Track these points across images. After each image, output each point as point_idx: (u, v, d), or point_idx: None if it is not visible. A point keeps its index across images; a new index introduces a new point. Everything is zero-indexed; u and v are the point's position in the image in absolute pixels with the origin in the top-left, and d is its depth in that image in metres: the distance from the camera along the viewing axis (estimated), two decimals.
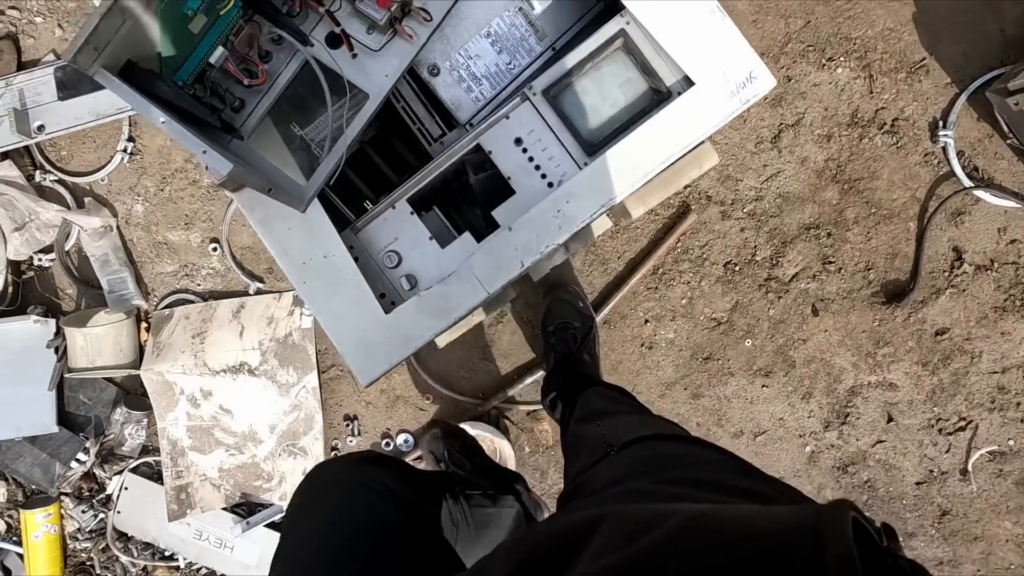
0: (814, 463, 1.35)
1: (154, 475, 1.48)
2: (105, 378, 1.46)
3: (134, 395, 1.47)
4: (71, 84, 1.39)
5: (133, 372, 1.42)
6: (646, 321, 1.34)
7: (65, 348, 1.39)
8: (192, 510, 1.43)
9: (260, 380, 1.38)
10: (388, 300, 0.82)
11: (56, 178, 1.45)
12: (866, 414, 1.34)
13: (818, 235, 1.30)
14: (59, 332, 1.43)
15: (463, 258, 0.80)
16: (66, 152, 1.46)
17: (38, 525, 1.41)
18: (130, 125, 1.43)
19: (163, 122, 0.58)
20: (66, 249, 1.46)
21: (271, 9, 0.67)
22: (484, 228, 0.83)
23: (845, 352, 1.32)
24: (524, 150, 0.80)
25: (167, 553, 1.49)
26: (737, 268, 1.32)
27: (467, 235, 0.81)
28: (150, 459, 1.47)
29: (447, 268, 0.81)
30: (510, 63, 0.86)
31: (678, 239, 1.31)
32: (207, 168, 0.79)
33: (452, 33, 0.83)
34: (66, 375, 1.38)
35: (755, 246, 1.31)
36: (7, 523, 1.52)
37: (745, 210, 1.31)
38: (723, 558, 0.31)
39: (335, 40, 0.74)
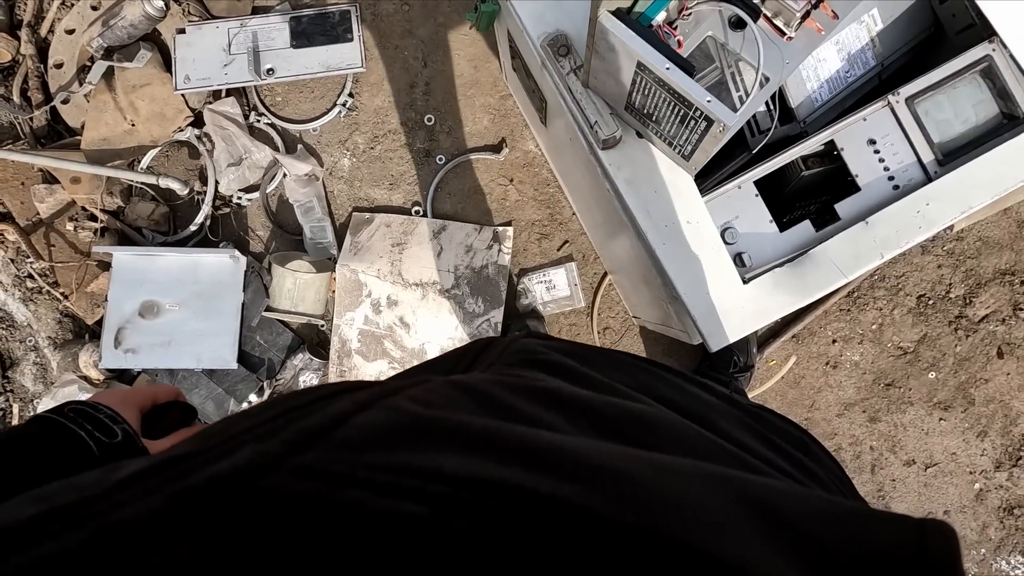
0: (981, 501, 1.39)
1: None
2: (283, 323, 1.47)
3: (311, 344, 1.48)
4: (306, 35, 1.44)
5: (322, 323, 1.43)
6: (834, 341, 1.39)
7: (266, 286, 1.40)
8: None
9: (448, 303, 1.40)
10: None
11: (269, 122, 1.48)
12: None
13: (1012, 281, 1.36)
14: (252, 269, 1.44)
15: (799, 244, 0.85)
16: (281, 99, 1.49)
17: None
18: (353, 82, 1.47)
19: (667, 68, 0.62)
20: (268, 192, 1.48)
21: None
22: (815, 218, 0.87)
23: None
24: (876, 151, 0.85)
25: None
26: (930, 302, 1.37)
27: (807, 223, 0.85)
28: None
29: (781, 252, 0.85)
30: (848, 72, 0.92)
31: (878, 266, 1.36)
32: (592, 128, 0.82)
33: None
34: (264, 313, 1.39)
35: (950, 283, 1.37)
36: None
37: (945, 248, 1.37)
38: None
39: (739, 24, 0.79)
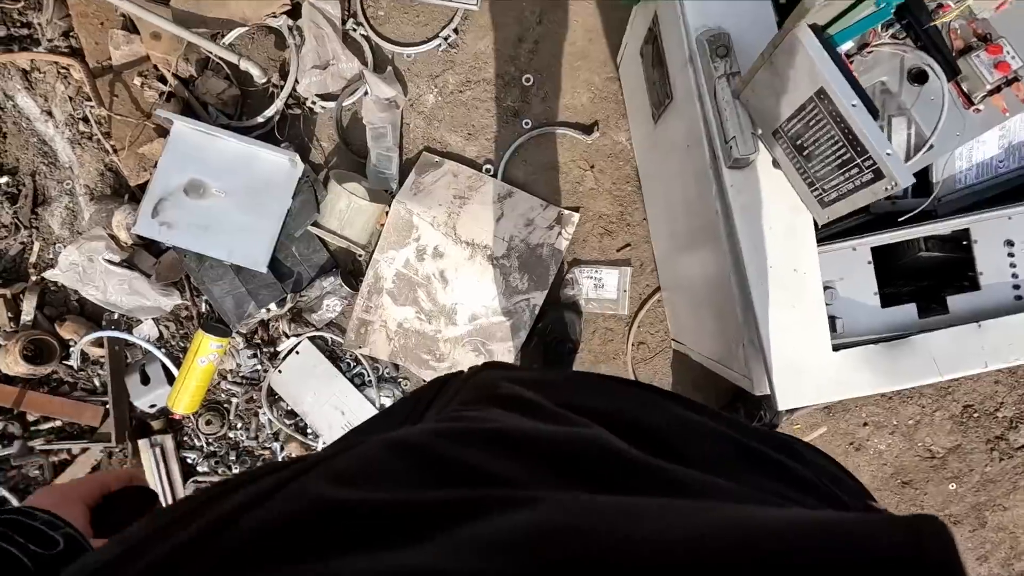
0: None
1: (327, 351, 1.45)
2: (322, 241, 1.43)
3: (344, 270, 1.43)
4: None
5: (361, 253, 1.39)
6: (865, 424, 1.34)
7: (318, 199, 1.35)
8: (364, 347, 1.41)
9: (493, 271, 1.35)
10: None
11: (365, 34, 1.41)
12: None
13: None
14: (306, 178, 1.39)
15: (899, 325, 0.79)
16: (384, 13, 1.42)
17: (209, 351, 1.37)
18: (462, 18, 1.39)
19: (853, 105, 0.56)
20: (344, 105, 1.42)
21: (925, 31, 0.65)
22: (918, 302, 0.81)
23: None
24: (1011, 255, 0.78)
25: (308, 430, 1.46)
26: (975, 415, 1.31)
27: (912, 306, 0.80)
28: (330, 336, 1.44)
29: (878, 328, 0.80)
30: (1003, 162, 0.85)
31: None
32: (732, 148, 0.76)
33: None
34: (310, 227, 1.34)
35: (1002, 402, 1.31)
36: (161, 331, 1.48)
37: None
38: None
39: (919, 77, 0.72)
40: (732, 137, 0.74)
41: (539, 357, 1.37)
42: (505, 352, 1.38)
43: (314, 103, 1.42)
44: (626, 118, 1.36)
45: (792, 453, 0.38)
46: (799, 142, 0.67)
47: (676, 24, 0.81)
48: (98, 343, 1.45)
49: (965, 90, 0.71)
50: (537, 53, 1.38)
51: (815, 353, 0.76)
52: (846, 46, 0.66)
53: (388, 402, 1.43)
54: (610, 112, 1.37)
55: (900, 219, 0.80)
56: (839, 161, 0.62)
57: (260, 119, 1.39)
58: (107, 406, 1.45)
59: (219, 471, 1.47)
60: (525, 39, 1.38)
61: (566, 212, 1.37)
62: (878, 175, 0.57)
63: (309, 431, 1.45)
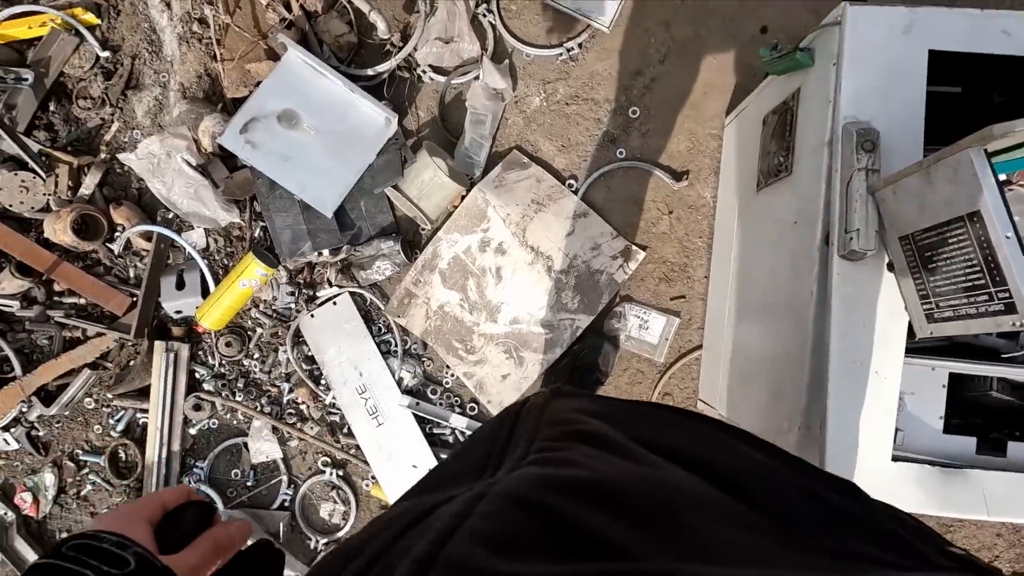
0: None
1: (363, 311, 1.45)
2: (392, 205, 1.44)
3: (405, 238, 1.44)
4: None
5: (427, 227, 1.40)
6: None
7: (404, 161, 1.36)
8: (402, 317, 1.42)
9: (548, 283, 1.36)
10: None
11: (493, 22, 1.43)
12: None
13: None
14: (396, 141, 1.40)
15: (955, 454, 0.80)
16: (516, 8, 1.44)
17: (253, 276, 1.37)
18: (589, 36, 1.41)
19: (1008, 236, 0.57)
20: (452, 83, 1.44)
21: None
22: (979, 438, 0.82)
23: None
24: None
25: (322, 381, 1.45)
26: None
27: (972, 440, 0.81)
28: (371, 297, 1.44)
29: (935, 451, 0.81)
30: None
31: None
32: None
33: None
34: (389, 187, 1.35)
35: (998, 555, 1.32)
36: (209, 243, 1.48)
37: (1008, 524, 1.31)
38: None
39: None
40: (856, 229, 0.75)
41: (565, 377, 1.37)
42: (535, 363, 1.39)
43: (425, 72, 1.43)
44: (717, 176, 1.38)
45: (855, 496, 0.40)
46: (928, 254, 0.68)
47: (823, 106, 0.83)
48: (146, 236, 1.46)
49: None
50: (651, 90, 1.41)
51: (875, 457, 0.77)
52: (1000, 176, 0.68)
53: (407, 378, 1.43)
54: (703, 166, 1.39)
55: (1004, 355, 0.81)
56: (968, 284, 0.63)
57: (370, 72, 1.41)
58: (136, 299, 1.44)
59: (223, 394, 1.46)
60: (643, 73, 1.41)
61: (634, 248, 1.38)
62: (1010, 309, 0.59)
63: (323, 382, 1.45)
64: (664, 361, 1.41)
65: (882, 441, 0.77)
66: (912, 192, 0.68)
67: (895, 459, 0.77)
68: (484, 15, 1.42)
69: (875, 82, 0.79)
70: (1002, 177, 0.69)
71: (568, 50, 1.41)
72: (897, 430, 0.80)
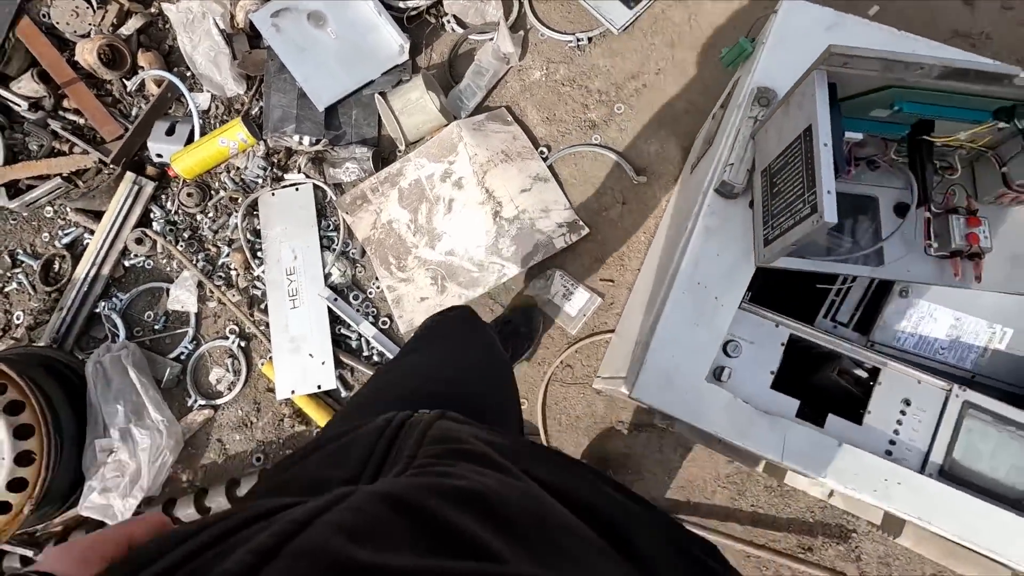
0: None
1: (319, 204, 1.53)
2: (379, 122, 1.55)
3: (378, 153, 1.54)
4: None
5: (401, 148, 1.50)
6: None
7: (399, 84, 1.49)
8: (350, 216, 1.52)
9: (491, 227, 1.43)
10: None
11: None
12: None
13: None
14: (402, 69, 1.53)
15: (774, 408, 0.81)
16: None
17: (234, 138, 1.48)
18: (600, 33, 1.55)
19: (825, 144, 0.63)
20: (469, 37, 1.58)
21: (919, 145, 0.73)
22: (804, 409, 0.83)
23: None
24: (902, 412, 0.81)
25: (258, 254, 1.52)
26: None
27: (796, 402, 0.82)
28: (331, 194, 1.53)
29: (755, 401, 0.82)
30: (942, 351, 0.89)
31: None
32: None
33: (936, 290, 0.87)
34: (377, 93, 1.47)
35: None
36: (210, 107, 1.60)
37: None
38: None
39: (902, 209, 0.79)
40: (731, 164, 0.82)
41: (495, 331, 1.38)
42: (455, 295, 1.43)
43: (448, 21, 1.58)
44: (675, 183, 1.46)
45: (725, 565, 0.41)
46: (775, 179, 0.74)
47: (748, 77, 0.92)
48: (158, 83, 1.59)
49: (932, 234, 0.77)
50: (640, 93, 1.52)
51: (691, 373, 0.79)
52: (856, 136, 0.74)
53: (336, 274, 1.49)
54: (665, 172, 1.48)
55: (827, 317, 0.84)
56: (793, 198, 0.69)
57: (400, 4, 1.56)
58: (128, 131, 1.56)
59: (167, 238, 1.53)
60: (637, 78, 1.53)
61: (580, 223, 1.45)
62: (814, 209, 0.64)
63: (259, 255, 1.51)
64: (575, 335, 1.44)
65: (701, 360, 0.79)
66: (775, 126, 0.75)
67: (710, 382, 0.79)
68: None
69: (787, 60, 0.88)
70: (856, 137, 0.76)
71: (578, 40, 1.55)
72: (725, 368, 0.82)
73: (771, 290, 0.89)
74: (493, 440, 0.43)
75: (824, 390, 0.88)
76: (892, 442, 0.81)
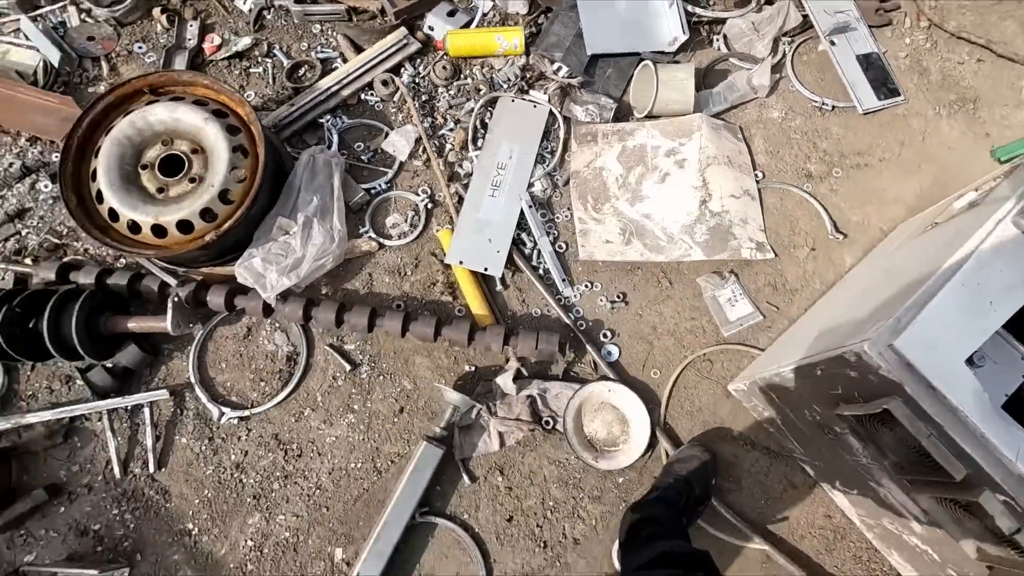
0: None
1: (547, 128, 1.65)
2: (626, 88, 1.68)
3: (618, 112, 1.66)
4: (868, 66, 1.70)
5: (638, 115, 1.62)
6: None
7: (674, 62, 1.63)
8: (576, 145, 1.57)
9: (694, 209, 1.52)
10: None
11: (788, 50, 1.74)
12: None
13: None
14: (667, 53, 1.68)
15: (997, 431, 0.84)
16: (809, 57, 1.76)
17: (509, 39, 1.64)
18: (845, 106, 1.69)
19: None
20: (726, 57, 1.73)
21: None
22: None
23: None
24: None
25: (480, 141, 1.63)
26: None
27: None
28: (562, 123, 1.64)
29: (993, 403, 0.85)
30: None
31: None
32: None
33: None
34: (648, 56, 1.61)
35: None
36: (491, 11, 1.76)
37: None
38: None
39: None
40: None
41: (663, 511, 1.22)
42: (636, 252, 1.50)
43: (718, 39, 1.75)
44: (865, 255, 1.54)
45: None
46: None
47: None
48: None
49: None
50: (859, 169, 1.63)
51: (952, 353, 0.83)
52: None
53: (538, 187, 1.57)
54: (859, 241, 1.56)
55: None
56: None
57: (690, 8, 1.73)
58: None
59: (410, 92, 1.65)
60: (862, 155, 1.64)
61: (768, 247, 1.53)
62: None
63: (479, 142, 1.62)
64: (726, 337, 1.48)
65: (965, 345, 0.84)
66: None
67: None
68: (787, 42, 1.75)
69: None
70: None
71: (824, 104, 1.69)
72: (982, 360, 0.86)
73: None
74: None
75: None
76: None
